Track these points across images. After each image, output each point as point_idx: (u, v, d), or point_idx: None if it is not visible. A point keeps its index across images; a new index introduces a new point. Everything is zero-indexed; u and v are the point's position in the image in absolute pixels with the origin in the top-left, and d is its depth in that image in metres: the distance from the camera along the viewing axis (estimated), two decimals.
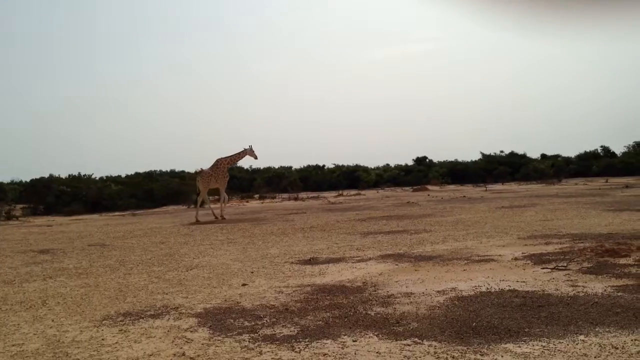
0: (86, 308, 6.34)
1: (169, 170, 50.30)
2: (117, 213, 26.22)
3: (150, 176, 41.19)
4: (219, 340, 4.83)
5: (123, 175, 43.70)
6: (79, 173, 34.88)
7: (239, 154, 20.28)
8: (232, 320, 5.45)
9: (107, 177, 41.63)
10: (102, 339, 5.02)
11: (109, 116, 79.63)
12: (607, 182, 33.56)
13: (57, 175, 33.53)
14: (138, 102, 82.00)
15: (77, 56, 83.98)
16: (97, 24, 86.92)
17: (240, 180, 43.61)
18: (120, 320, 5.66)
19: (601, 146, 49.82)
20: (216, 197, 24.13)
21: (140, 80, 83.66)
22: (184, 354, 4.48)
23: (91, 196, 28.76)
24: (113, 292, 7.22)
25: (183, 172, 48.84)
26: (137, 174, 43.71)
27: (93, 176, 36.11)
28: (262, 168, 47.76)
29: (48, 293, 7.33)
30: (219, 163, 19.94)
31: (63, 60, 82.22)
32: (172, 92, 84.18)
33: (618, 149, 50.03)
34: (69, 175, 33.66)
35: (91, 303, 6.59)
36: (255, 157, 20.47)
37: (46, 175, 33.87)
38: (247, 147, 20.21)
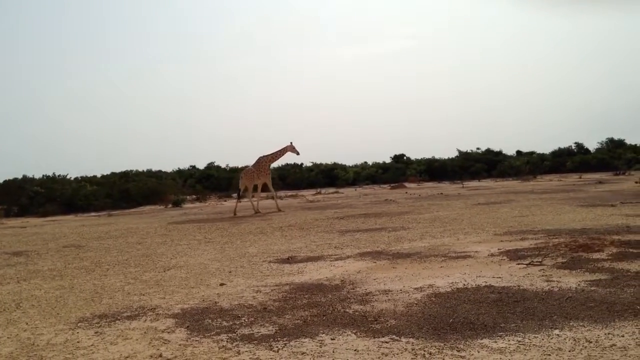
0: (61, 310, 6.24)
1: (145, 170, 49.65)
2: (92, 214, 25.90)
3: (126, 176, 40.65)
4: (196, 340, 4.79)
5: (99, 176, 43.02)
6: (54, 173, 34.42)
7: (280, 150, 20.29)
8: (209, 321, 5.42)
9: (82, 177, 40.84)
10: (78, 342, 4.95)
11: (83, 115, 78.42)
12: (580, 178, 34.17)
13: (31, 176, 33.03)
14: (113, 101, 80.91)
15: (47, 55, 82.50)
16: (67, 21, 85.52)
17: (218, 179, 43.38)
18: (96, 323, 5.59)
19: (575, 143, 50.70)
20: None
21: (115, 79, 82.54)
22: (160, 355, 4.44)
23: (66, 197, 28.35)
24: (89, 294, 7.12)
25: (160, 172, 48.36)
26: (112, 174, 43.07)
27: (68, 176, 35.64)
28: (239, 167, 47.50)
29: (22, 296, 7.21)
30: (261, 160, 20.16)
31: (34, 58, 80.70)
32: (147, 92, 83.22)
33: (591, 145, 51.05)
34: (43, 176, 33.18)
35: (66, 305, 6.50)
36: (297, 153, 20.39)
37: (20, 176, 33.37)
38: (288, 143, 20.18)
